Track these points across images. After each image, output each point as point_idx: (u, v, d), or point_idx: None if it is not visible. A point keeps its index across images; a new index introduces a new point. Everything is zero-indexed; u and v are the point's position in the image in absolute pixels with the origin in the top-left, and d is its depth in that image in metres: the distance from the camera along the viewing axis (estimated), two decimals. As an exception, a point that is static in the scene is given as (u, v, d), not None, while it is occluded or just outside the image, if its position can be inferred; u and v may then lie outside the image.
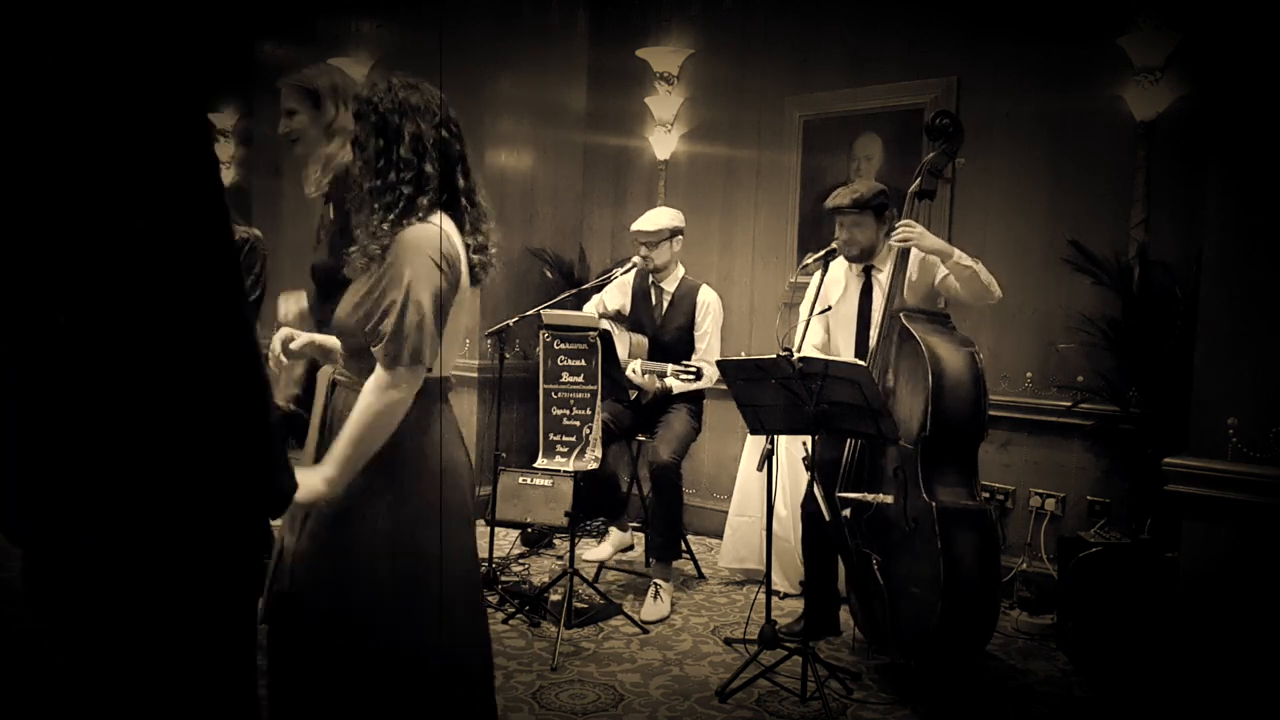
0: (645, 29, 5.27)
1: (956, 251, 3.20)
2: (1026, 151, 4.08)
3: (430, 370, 1.88)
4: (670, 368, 3.83)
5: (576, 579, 3.66)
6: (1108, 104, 3.85)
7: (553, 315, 3.55)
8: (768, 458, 3.24)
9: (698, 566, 4.39)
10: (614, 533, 4.48)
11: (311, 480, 1.80)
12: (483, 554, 4.22)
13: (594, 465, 3.45)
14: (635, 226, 4.11)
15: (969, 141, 4.10)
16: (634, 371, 3.92)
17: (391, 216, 1.86)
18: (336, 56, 6.12)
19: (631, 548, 4.52)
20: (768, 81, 4.86)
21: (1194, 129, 3.64)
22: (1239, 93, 2.67)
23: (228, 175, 7.23)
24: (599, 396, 3.45)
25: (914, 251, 3.28)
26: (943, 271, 3.28)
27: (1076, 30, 3.91)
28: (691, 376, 3.79)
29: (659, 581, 3.88)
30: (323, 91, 2.55)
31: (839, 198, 3.44)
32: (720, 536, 4.41)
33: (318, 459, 1.89)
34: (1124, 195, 3.83)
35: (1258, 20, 2.63)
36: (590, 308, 4.20)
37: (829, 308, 3.53)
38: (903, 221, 3.25)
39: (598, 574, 4.24)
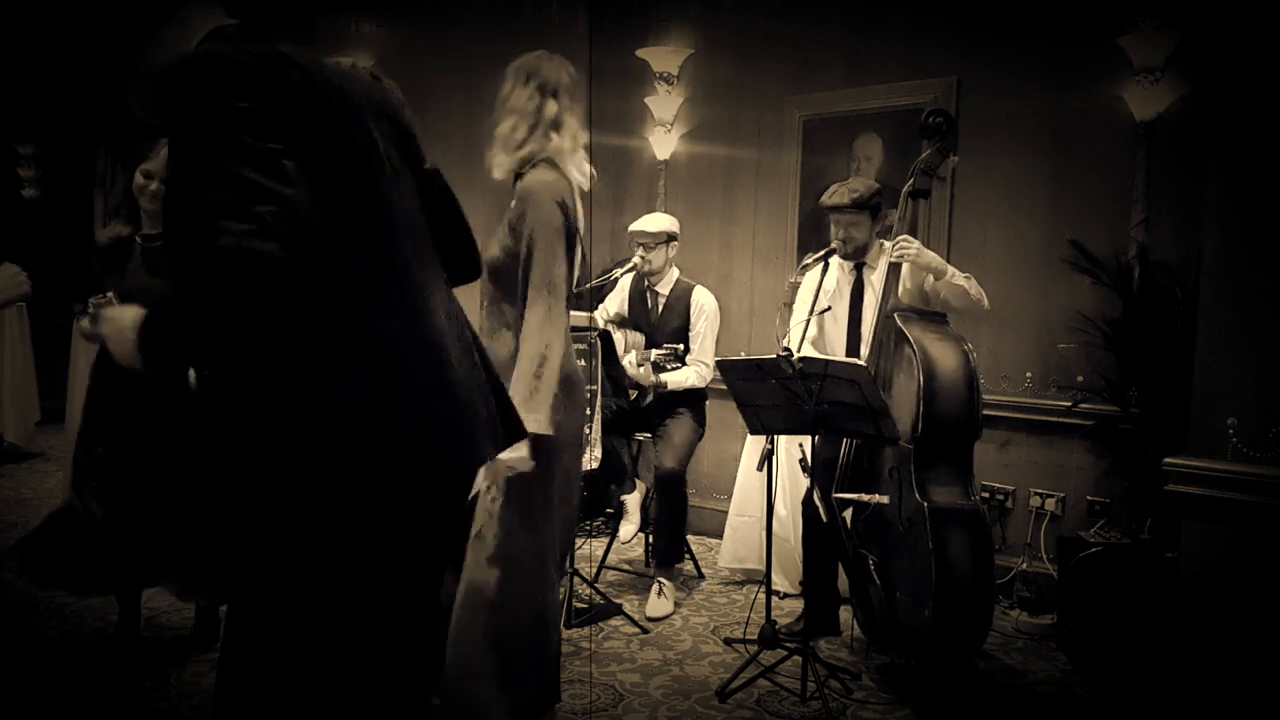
0: (645, 29, 5.27)
1: (950, 270, 3.23)
2: (1026, 151, 4.08)
3: None
4: (655, 352, 3.88)
5: (576, 579, 3.66)
6: (1108, 104, 3.85)
7: (552, 315, 3.54)
8: (768, 458, 3.24)
9: (698, 566, 4.39)
10: (628, 502, 4.48)
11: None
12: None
13: (594, 465, 3.45)
14: (635, 227, 4.13)
15: (970, 141, 4.12)
16: (629, 363, 3.95)
17: None
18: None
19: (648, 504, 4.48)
20: (768, 81, 4.86)
21: (1194, 129, 3.64)
22: (1239, 93, 2.67)
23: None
24: (598, 396, 3.46)
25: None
26: (940, 285, 3.29)
27: (1076, 30, 3.91)
28: (670, 355, 3.82)
29: (662, 580, 3.89)
30: (509, 73, 2.43)
31: (837, 196, 3.44)
32: (720, 536, 4.41)
33: None
34: (1124, 195, 3.83)
35: (1258, 20, 2.63)
36: (595, 316, 4.22)
37: (829, 308, 3.53)
38: (901, 237, 3.26)
39: (598, 574, 4.24)
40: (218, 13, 1.56)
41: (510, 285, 2.35)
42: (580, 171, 2.43)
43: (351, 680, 1.51)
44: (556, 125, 2.38)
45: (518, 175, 2.41)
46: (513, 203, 2.39)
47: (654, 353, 3.93)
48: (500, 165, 2.41)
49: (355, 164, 1.47)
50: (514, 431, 1.70)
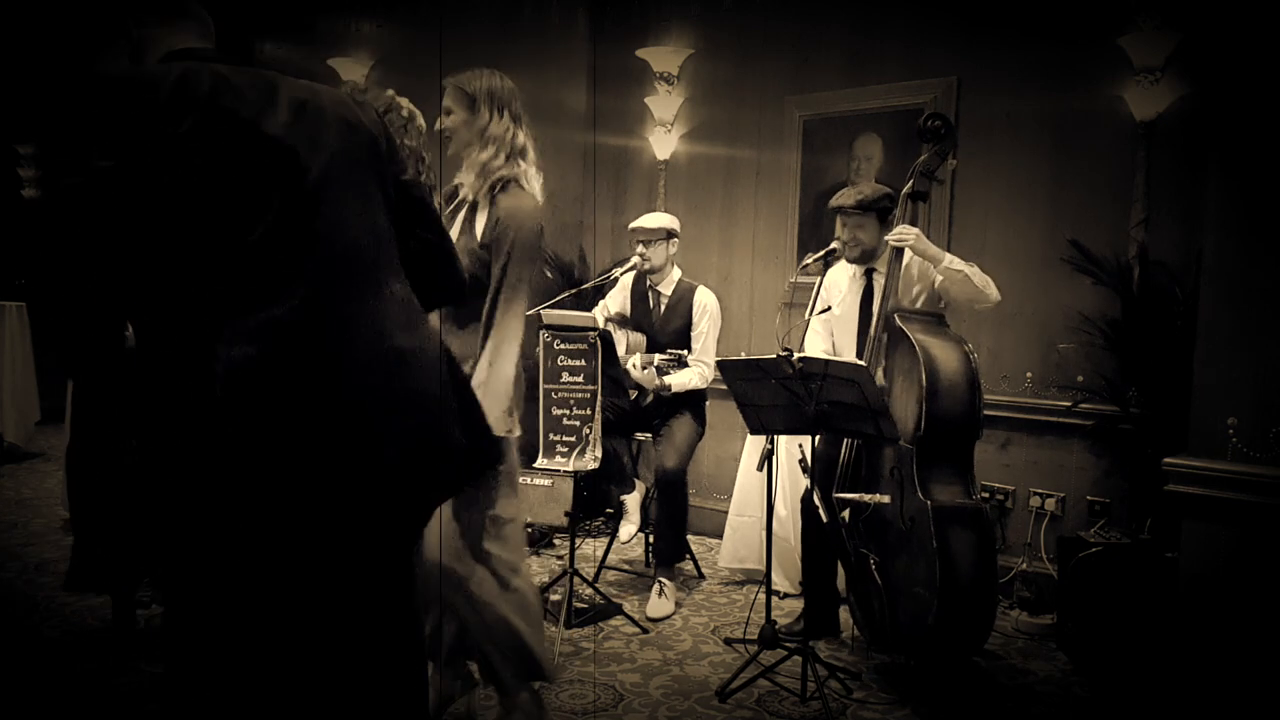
0: (645, 29, 5.27)
1: (947, 257, 3.22)
2: (1026, 151, 4.08)
3: None
4: (659, 357, 3.88)
5: (576, 579, 3.66)
6: (1108, 104, 3.85)
7: (552, 315, 3.55)
8: (768, 458, 3.24)
9: (698, 566, 4.39)
10: (628, 502, 4.48)
11: None
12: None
13: (594, 465, 3.45)
14: (635, 224, 4.14)
15: (970, 141, 4.12)
16: (633, 366, 3.95)
17: None
18: (336, 57, 6.13)
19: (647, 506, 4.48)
20: (768, 81, 4.86)
21: (1194, 129, 3.64)
22: (1239, 93, 2.67)
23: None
24: (599, 396, 3.46)
25: (908, 251, 3.30)
26: (938, 273, 3.29)
27: (1076, 30, 3.91)
28: (675, 361, 3.84)
29: (663, 580, 3.89)
30: (479, 95, 2.58)
31: (844, 198, 3.44)
32: (720, 536, 4.41)
33: None
34: (1124, 195, 3.83)
35: (1258, 20, 2.63)
36: (595, 314, 4.22)
37: (829, 308, 3.53)
38: (900, 226, 3.27)
39: (598, 574, 4.24)
40: (187, 35, 1.63)
41: (478, 290, 2.50)
42: (540, 191, 2.67)
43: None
44: (524, 153, 2.62)
45: (490, 193, 2.59)
46: (486, 218, 2.56)
47: (658, 358, 3.93)
48: (473, 188, 2.60)
49: (263, 190, 1.48)
50: (489, 457, 1.73)
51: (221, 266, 1.44)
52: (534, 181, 2.63)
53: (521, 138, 2.60)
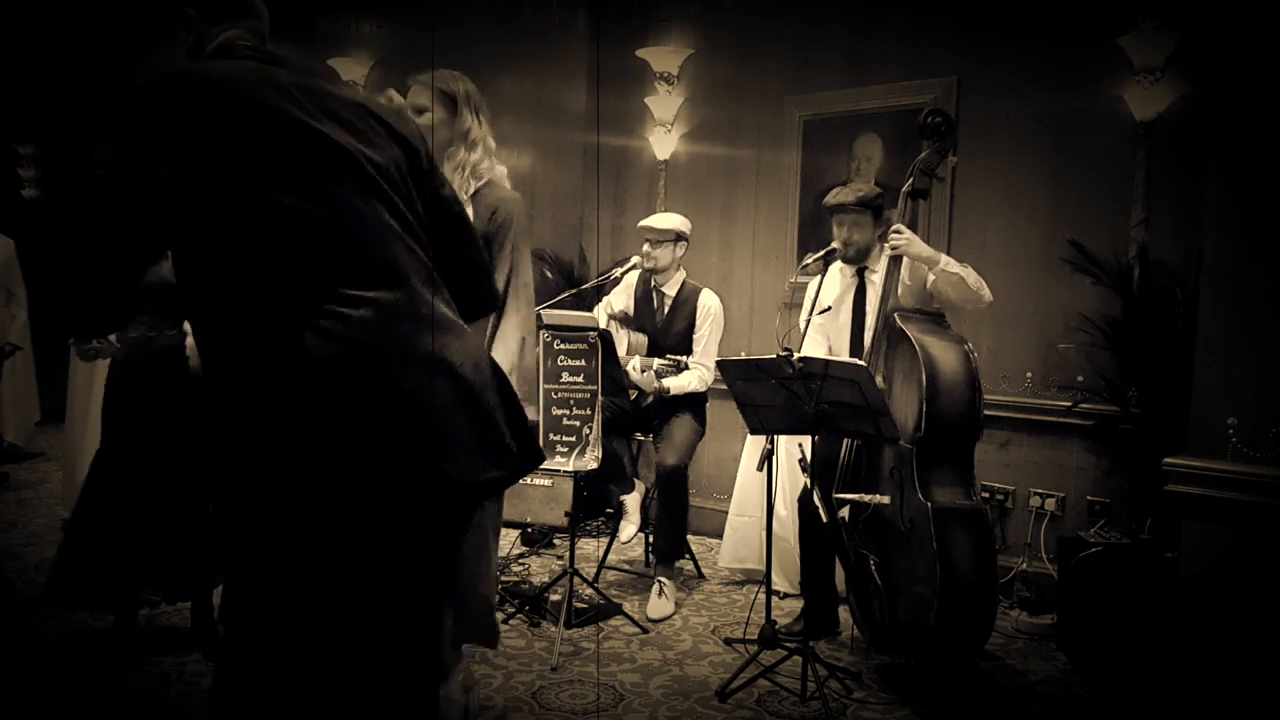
0: (645, 29, 5.27)
1: (943, 258, 3.22)
2: (1026, 151, 4.08)
3: None
4: (658, 362, 3.88)
5: (576, 579, 3.66)
6: (1108, 104, 3.85)
7: (552, 315, 3.55)
8: (768, 458, 3.24)
9: (698, 566, 4.39)
10: (628, 502, 4.49)
11: None
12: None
13: (594, 465, 3.45)
14: (645, 222, 4.13)
15: (970, 141, 4.12)
16: (633, 368, 3.95)
17: None
18: (336, 57, 6.14)
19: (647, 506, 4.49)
20: (768, 81, 4.86)
21: (1194, 129, 3.64)
22: (1239, 93, 2.67)
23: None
24: (599, 396, 3.46)
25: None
26: (934, 275, 3.29)
27: (1076, 30, 3.91)
28: (673, 366, 3.84)
29: (663, 580, 3.89)
30: (459, 97, 2.68)
31: (842, 195, 3.44)
32: (720, 536, 4.41)
33: None
34: (1124, 195, 3.83)
35: (1258, 20, 2.63)
36: (599, 310, 4.22)
37: (828, 308, 3.53)
38: (893, 228, 3.27)
39: (598, 574, 4.24)
40: (228, 25, 1.63)
41: None
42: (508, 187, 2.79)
43: (343, 676, 1.54)
44: (494, 153, 2.76)
45: (472, 191, 2.72)
46: (474, 214, 2.64)
47: (657, 362, 3.93)
48: (465, 189, 2.70)
49: (308, 188, 1.50)
50: (531, 455, 1.71)
51: (284, 258, 1.46)
52: (505, 179, 2.77)
53: (491, 139, 2.74)
